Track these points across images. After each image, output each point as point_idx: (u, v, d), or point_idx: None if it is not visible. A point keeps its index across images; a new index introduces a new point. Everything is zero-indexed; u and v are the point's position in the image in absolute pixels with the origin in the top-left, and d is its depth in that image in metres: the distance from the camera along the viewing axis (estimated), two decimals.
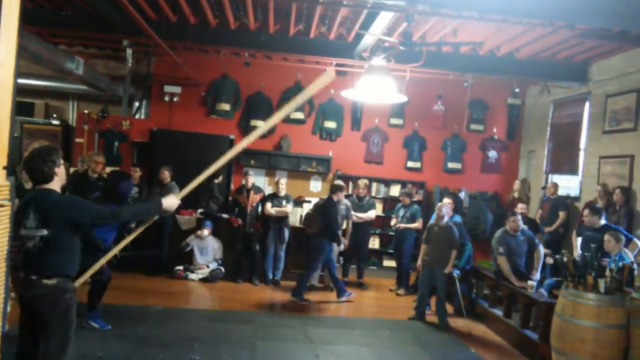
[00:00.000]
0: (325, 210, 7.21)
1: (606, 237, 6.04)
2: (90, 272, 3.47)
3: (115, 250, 3.52)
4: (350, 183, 9.64)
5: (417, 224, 8.21)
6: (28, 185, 6.17)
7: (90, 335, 5.09)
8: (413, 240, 8.33)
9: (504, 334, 6.35)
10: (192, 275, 7.89)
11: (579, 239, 6.83)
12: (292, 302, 7.19)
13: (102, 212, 3.25)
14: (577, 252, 6.57)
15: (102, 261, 3.42)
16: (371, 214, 8.34)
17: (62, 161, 3.23)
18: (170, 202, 3.43)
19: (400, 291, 8.16)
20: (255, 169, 9.23)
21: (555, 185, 8.52)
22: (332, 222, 7.20)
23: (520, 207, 7.97)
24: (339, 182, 7.76)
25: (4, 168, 2.15)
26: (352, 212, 8.13)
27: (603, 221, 6.45)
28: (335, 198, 7.36)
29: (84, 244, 3.39)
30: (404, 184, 9.97)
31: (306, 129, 10.02)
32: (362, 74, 6.56)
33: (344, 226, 7.99)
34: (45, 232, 3.07)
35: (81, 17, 7.58)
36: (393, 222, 8.42)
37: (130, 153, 9.43)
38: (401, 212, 8.29)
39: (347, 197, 8.70)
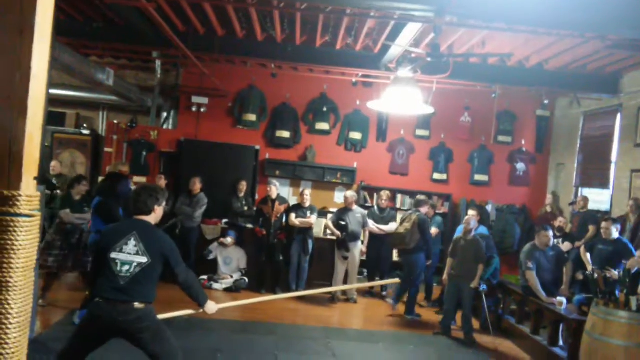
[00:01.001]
0: (423, 225, 7.25)
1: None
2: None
3: None
4: (375, 195, 9.59)
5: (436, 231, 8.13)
6: (77, 197, 6.38)
7: (113, 345, 5.14)
8: (437, 253, 8.21)
9: (532, 351, 6.20)
10: (216, 285, 7.92)
11: (588, 255, 6.71)
12: (316, 314, 7.15)
13: (183, 264, 3.54)
14: (590, 267, 6.44)
15: None
16: (392, 226, 8.27)
17: (164, 203, 3.64)
18: (212, 307, 3.72)
19: (423, 303, 8.05)
20: (279, 179, 9.26)
21: (585, 199, 8.33)
22: (430, 237, 7.32)
23: (560, 221, 7.85)
24: (422, 196, 7.86)
25: (35, 179, 2.18)
26: (373, 224, 8.09)
27: (616, 234, 6.34)
28: (423, 211, 7.43)
29: None
30: (429, 196, 9.86)
31: (331, 139, 10.02)
32: (388, 85, 6.54)
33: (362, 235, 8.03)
34: (145, 259, 3.32)
35: (112, 29, 7.76)
36: (434, 231, 8.27)
37: (158, 163, 9.57)
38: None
39: (367, 208, 8.68)
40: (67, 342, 3.42)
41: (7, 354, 2.08)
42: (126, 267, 3.29)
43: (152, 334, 3.35)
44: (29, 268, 2.16)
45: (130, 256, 3.31)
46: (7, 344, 2.08)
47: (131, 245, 3.33)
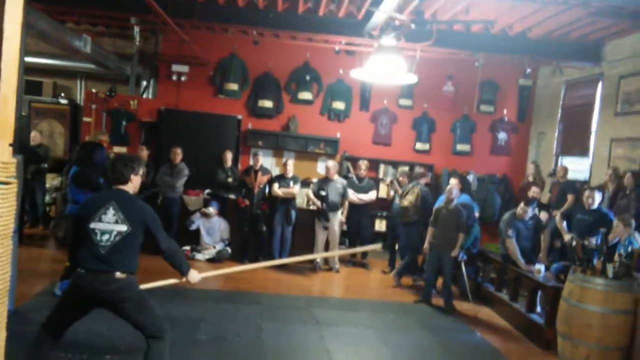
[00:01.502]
0: (426, 198, 7.38)
1: (615, 221, 5.98)
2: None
3: None
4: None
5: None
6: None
7: (98, 315, 5.14)
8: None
9: (510, 317, 6.34)
10: (198, 256, 7.91)
11: (564, 222, 6.78)
12: (299, 284, 7.21)
13: (164, 233, 3.51)
14: (567, 235, 6.53)
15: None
16: (372, 195, 8.31)
17: (142, 173, 3.56)
18: (195, 276, 3.72)
19: (387, 269, 8.19)
20: (262, 150, 9.19)
21: (565, 169, 8.42)
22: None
23: (534, 191, 7.91)
24: (420, 168, 8.16)
25: (10, 145, 2.12)
26: (353, 193, 8.13)
27: (596, 204, 6.41)
28: (423, 183, 7.59)
29: None
30: (412, 166, 9.90)
31: (314, 109, 9.95)
32: (371, 54, 6.47)
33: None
34: (125, 228, 3.29)
35: None
36: (388, 191, 8.46)
37: (138, 132, 9.42)
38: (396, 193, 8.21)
39: (346, 177, 8.70)
40: (50, 312, 3.40)
41: None
42: (106, 236, 3.27)
43: (135, 304, 3.34)
44: (6, 236, 2.13)
45: (109, 225, 3.28)
46: None
47: (110, 214, 3.30)
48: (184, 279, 3.72)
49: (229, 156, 8.66)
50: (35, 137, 8.91)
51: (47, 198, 9.18)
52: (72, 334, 3.95)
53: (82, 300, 3.34)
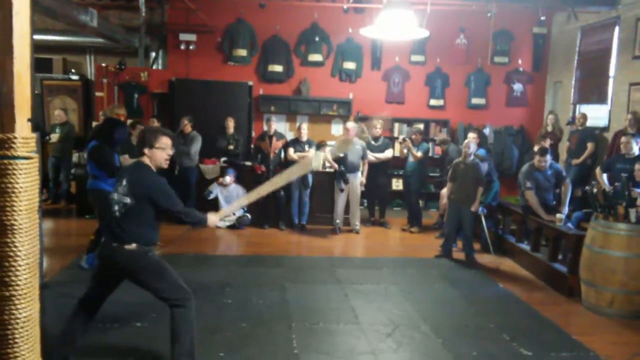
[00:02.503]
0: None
1: (637, 166, 5.90)
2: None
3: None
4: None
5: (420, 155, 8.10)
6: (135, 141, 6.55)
7: (125, 284, 5.25)
8: (423, 179, 8.31)
9: (532, 268, 6.36)
10: (219, 223, 7.98)
11: (605, 175, 6.67)
12: (319, 245, 7.29)
13: (177, 204, 3.46)
14: (607, 187, 6.42)
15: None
16: (388, 154, 8.28)
17: (159, 145, 3.42)
18: (213, 219, 3.70)
19: (414, 229, 8.18)
20: (275, 115, 9.16)
21: (584, 116, 8.29)
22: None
23: (543, 144, 7.79)
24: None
25: (29, 120, 2.14)
26: (370, 153, 8.10)
27: (637, 150, 6.27)
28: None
29: None
30: (426, 122, 9.82)
31: (325, 71, 9.85)
32: (380, 10, 6.34)
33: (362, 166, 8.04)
34: (129, 200, 3.31)
35: None
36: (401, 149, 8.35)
37: (151, 104, 9.42)
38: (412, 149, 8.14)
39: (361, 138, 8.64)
40: (86, 286, 3.56)
41: (19, 295, 2.11)
42: (117, 207, 3.34)
43: (151, 274, 3.39)
44: (32, 210, 2.16)
45: (120, 196, 3.34)
46: (18, 285, 2.10)
47: (123, 185, 3.35)
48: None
49: (231, 123, 8.54)
50: (59, 115, 8.96)
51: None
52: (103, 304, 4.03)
53: (106, 270, 3.46)
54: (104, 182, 5.38)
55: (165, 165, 3.52)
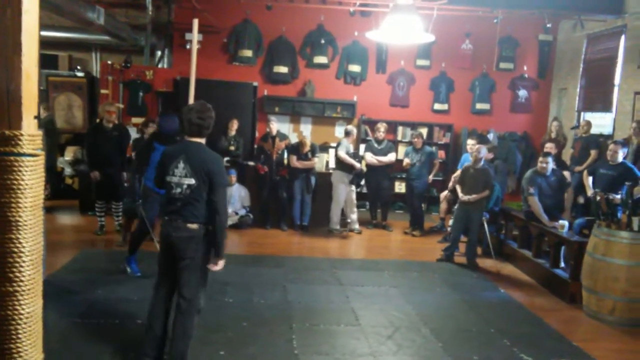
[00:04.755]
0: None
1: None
2: None
3: None
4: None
5: (435, 167, 8.23)
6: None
7: (127, 281, 5.27)
8: (426, 183, 8.29)
9: (534, 273, 6.35)
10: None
11: (590, 178, 6.71)
12: (321, 246, 7.29)
13: (224, 193, 3.49)
14: (590, 190, 6.47)
15: None
16: (391, 157, 8.29)
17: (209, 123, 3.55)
18: (221, 264, 3.55)
19: (416, 232, 8.19)
20: (279, 116, 9.18)
21: (588, 123, 8.28)
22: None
23: (548, 147, 7.78)
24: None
25: (35, 117, 2.15)
26: (372, 156, 8.15)
27: (621, 158, 6.32)
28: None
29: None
30: (430, 127, 9.82)
31: (330, 73, 9.85)
32: (387, 14, 6.35)
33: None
34: (193, 181, 3.36)
35: None
36: (405, 163, 8.23)
37: (155, 103, 9.44)
38: (414, 156, 8.16)
39: (366, 141, 8.67)
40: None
41: (23, 291, 2.13)
42: (178, 190, 3.39)
43: (194, 264, 3.43)
44: (37, 207, 2.17)
45: (180, 179, 3.39)
46: (22, 281, 2.12)
47: (180, 167, 3.39)
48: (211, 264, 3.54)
49: (234, 125, 8.55)
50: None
51: (69, 170, 9.31)
52: (103, 301, 4.07)
53: (167, 247, 3.48)
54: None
55: None
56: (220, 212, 3.41)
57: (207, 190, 3.40)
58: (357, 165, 7.90)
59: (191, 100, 3.97)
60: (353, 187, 8.01)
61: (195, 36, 3.89)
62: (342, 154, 7.91)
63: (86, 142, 7.18)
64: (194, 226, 3.39)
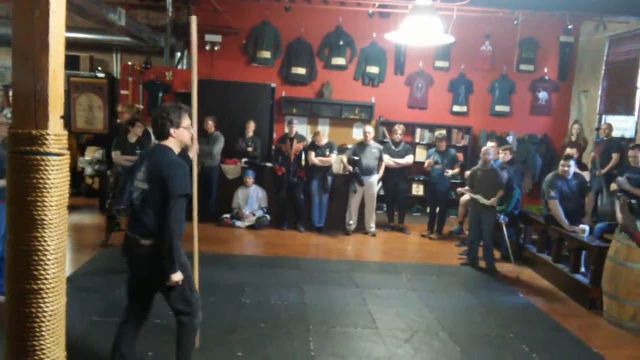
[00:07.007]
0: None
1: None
2: None
3: None
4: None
5: (457, 169, 8.08)
6: (132, 139, 6.48)
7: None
8: (449, 186, 8.23)
9: (553, 278, 6.27)
10: (238, 223, 8.05)
11: (628, 184, 6.58)
12: (337, 248, 7.28)
13: (180, 202, 2.99)
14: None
15: None
16: (408, 159, 8.25)
17: (186, 124, 3.14)
18: (178, 277, 3.03)
19: (434, 235, 8.13)
20: (296, 117, 9.19)
21: (609, 126, 8.16)
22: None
23: (569, 151, 7.68)
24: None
25: (61, 117, 2.18)
26: (389, 157, 8.13)
27: None
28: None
29: None
30: (449, 129, 9.76)
31: (348, 74, 9.85)
32: (406, 15, 6.32)
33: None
34: (146, 186, 3.00)
35: None
36: (427, 163, 8.15)
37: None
38: (437, 157, 8.10)
39: (383, 142, 8.64)
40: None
41: (47, 289, 2.15)
42: (135, 195, 3.06)
43: (163, 275, 3.02)
44: (62, 206, 2.20)
45: (139, 183, 3.05)
46: (46, 279, 2.14)
47: (141, 172, 3.05)
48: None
49: (251, 126, 8.60)
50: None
51: (90, 170, 9.42)
52: (122, 300, 4.07)
53: (129, 266, 3.20)
54: None
55: (190, 143, 3.29)
56: (167, 226, 2.93)
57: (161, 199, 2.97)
58: (349, 167, 7.91)
59: (194, 101, 3.83)
60: (372, 191, 7.98)
61: (194, 35, 3.82)
62: (344, 157, 8.03)
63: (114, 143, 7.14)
64: (147, 242, 2.99)
